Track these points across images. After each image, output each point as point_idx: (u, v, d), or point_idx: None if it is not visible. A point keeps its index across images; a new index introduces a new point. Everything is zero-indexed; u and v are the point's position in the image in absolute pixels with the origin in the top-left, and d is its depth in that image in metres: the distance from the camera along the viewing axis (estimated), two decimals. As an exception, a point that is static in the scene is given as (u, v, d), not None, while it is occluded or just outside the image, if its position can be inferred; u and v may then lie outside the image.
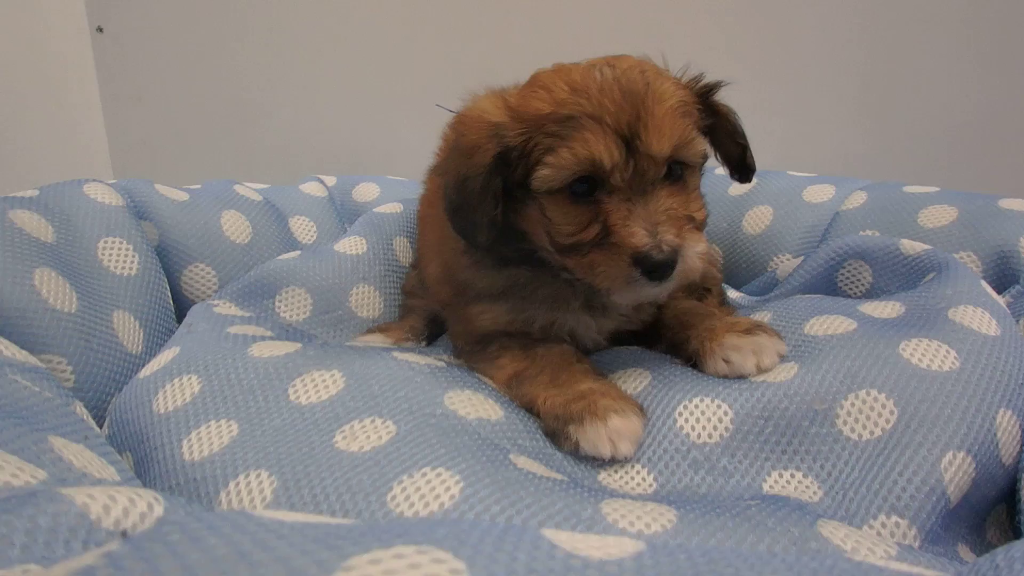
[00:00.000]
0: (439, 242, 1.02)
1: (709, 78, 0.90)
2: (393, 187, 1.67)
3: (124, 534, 0.35)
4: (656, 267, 0.76)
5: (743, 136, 0.93)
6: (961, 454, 0.70)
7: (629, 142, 0.77)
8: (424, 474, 0.63)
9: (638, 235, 0.76)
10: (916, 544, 0.67)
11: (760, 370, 0.81)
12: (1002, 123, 1.93)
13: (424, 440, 0.68)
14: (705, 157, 0.88)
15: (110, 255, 1.01)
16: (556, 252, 0.83)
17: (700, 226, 0.84)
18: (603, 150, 0.76)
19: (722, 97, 0.91)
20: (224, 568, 0.28)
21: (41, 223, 0.94)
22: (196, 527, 0.30)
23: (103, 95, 2.18)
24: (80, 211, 1.02)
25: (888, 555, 0.59)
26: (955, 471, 0.69)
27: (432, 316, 1.16)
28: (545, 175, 0.78)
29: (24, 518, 0.34)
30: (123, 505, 0.36)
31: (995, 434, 0.73)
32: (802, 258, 1.26)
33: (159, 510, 0.38)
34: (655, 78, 0.80)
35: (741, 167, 0.95)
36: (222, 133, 2.22)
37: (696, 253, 0.79)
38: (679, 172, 0.83)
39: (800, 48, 1.97)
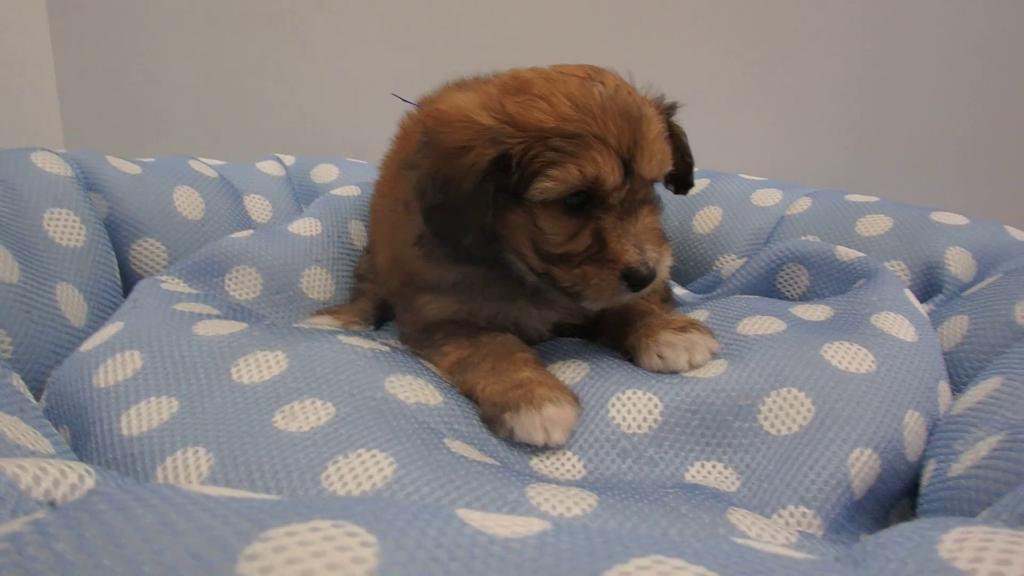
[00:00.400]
0: (389, 232, 1.03)
1: (668, 99, 0.94)
2: (352, 169, 1.67)
3: (52, 504, 0.37)
4: (642, 281, 0.81)
5: (691, 156, 0.98)
6: (868, 451, 0.75)
7: (627, 164, 0.81)
8: (359, 455, 0.65)
9: (631, 252, 0.81)
10: (820, 533, 0.71)
11: (692, 366, 0.85)
12: (963, 137, 2.01)
13: (362, 422, 0.70)
14: None
15: (56, 226, 1.00)
16: (541, 259, 0.85)
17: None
18: (609, 171, 0.79)
19: (678, 118, 0.96)
20: (148, 536, 0.30)
21: (-15, 191, 0.93)
22: (123, 498, 0.32)
23: (57, 61, 2.12)
24: (27, 180, 1.01)
25: (788, 542, 0.63)
26: (861, 466, 0.74)
27: (382, 300, 1.17)
28: (547, 187, 0.80)
29: (-46, 486, 0.35)
30: (53, 477, 0.38)
31: (902, 433, 0.78)
32: (746, 259, 1.31)
33: (90, 483, 0.40)
34: (643, 102, 0.84)
35: (684, 183, 1.00)
36: (178, 106, 2.18)
37: (666, 267, 0.86)
38: (652, 190, 0.87)
39: (784, 57, 2.02)
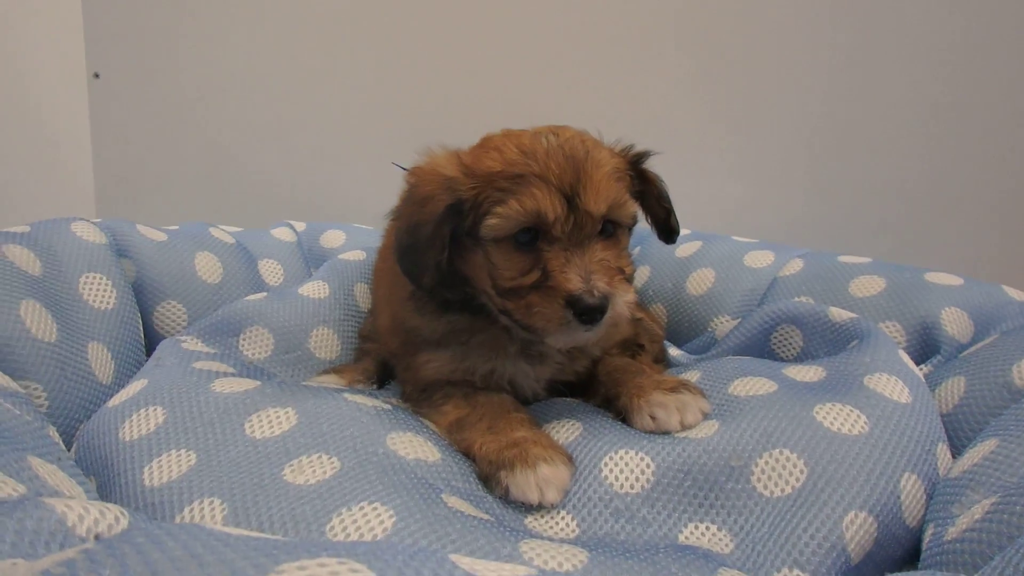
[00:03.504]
0: (389, 293, 1.09)
1: (639, 148, 1.00)
2: (359, 235, 1.74)
3: (98, 537, 0.41)
4: (588, 310, 0.83)
5: (668, 201, 1.02)
6: (863, 514, 0.74)
7: (570, 200, 0.86)
8: (362, 507, 0.69)
9: (573, 280, 0.84)
10: (815, 598, 0.70)
11: (683, 426, 0.86)
12: (944, 195, 2.04)
13: (365, 476, 0.74)
14: (635, 219, 0.97)
15: (90, 289, 1.07)
16: (497, 294, 0.90)
17: (629, 279, 0.93)
18: (547, 204, 0.85)
19: (651, 165, 1.01)
20: (179, 566, 0.35)
21: (30, 257, 1.00)
22: (158, 533, 0.37)
23: (94, 136, 2.25)
24: (66, 247, 1.08)
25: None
26: (856, 530, 0.73)
27: (385, 360, 1.21)
28: (494, 223, 0.86)
29: (14, 520, 0.40)
30: (94, 516, 0.43)
31: (899, 496, 0.77)
32: (740, 320, 1.31)
33: (124, 522, 0.44)
34: (593, 147, 0.90)
35: (666, 229, 1.05)
36: (202, 176, 2.29)
37: (625, 301, 0.87)
38: (611, 230, 0.92)
39: (766, 119, 2.08)
